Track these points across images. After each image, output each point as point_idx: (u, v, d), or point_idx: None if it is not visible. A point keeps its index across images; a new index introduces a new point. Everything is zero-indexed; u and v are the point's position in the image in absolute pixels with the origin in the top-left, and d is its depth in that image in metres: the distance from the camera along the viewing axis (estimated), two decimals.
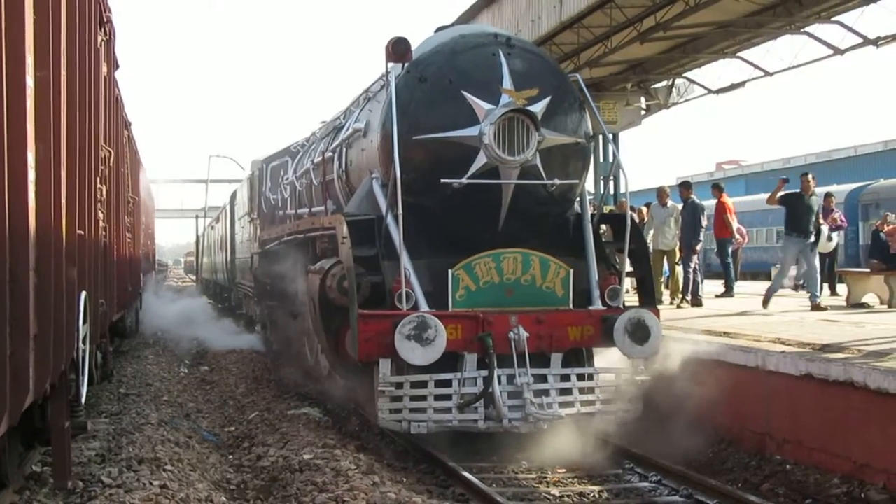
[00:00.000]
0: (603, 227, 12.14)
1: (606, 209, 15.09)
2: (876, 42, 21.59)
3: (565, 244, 10.96)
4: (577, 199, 11.26)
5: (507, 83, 10.35)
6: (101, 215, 9.26)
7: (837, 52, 22.62)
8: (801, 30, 23.09)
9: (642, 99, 29.26)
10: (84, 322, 7.39)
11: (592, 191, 22.06)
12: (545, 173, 10.45)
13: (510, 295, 10.32)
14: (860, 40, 22.00)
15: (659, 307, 11.03)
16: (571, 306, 10.40)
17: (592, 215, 11.36)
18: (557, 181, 10.55)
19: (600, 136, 28.46)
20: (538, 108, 10.33)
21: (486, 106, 10.22)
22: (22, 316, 4.82)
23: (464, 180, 10.23)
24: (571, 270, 10.48)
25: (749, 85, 26.36)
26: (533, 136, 10.26)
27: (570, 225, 11.25)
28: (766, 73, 25.30)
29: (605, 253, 11.38)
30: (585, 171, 11.26)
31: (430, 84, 10.49)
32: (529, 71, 10.57)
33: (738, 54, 25.26)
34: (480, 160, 10.22)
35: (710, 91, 27.78)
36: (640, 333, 10.11)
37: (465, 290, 10.24)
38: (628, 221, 10.89)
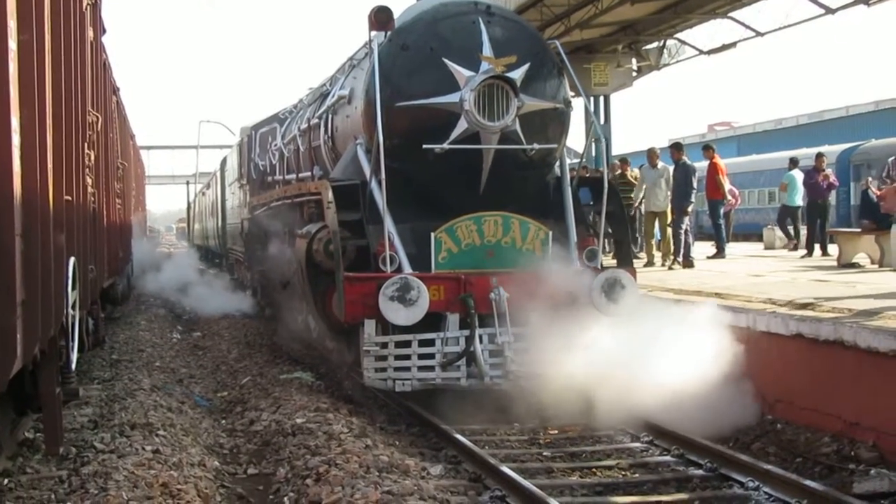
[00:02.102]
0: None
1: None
2: (867, 1, 21.49)
3: (545, 207, 11.23)
4: (557, 162, 11.57)
5: (487, 50, 10.61)
6: (89, 181, 9.22)
7: (829, 11, 22.49)
8: None
9: (633, 60, 29.14)
10: (73, 288, 7.37)
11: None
12: (525, 138, 10.76)
13: (491, 256, 10.65)
14: None
15: (651, 268, 11.18)
16: (551, 267, 10.56)
17: (571, 179, 11.63)
18: (537, 146, 10.86)
19: (591, 99, 28.66)
20: (517, 74, 10.63)
21: (467, 73, 10.50)
22: (8, 282, 4.80)
23: (445, 146, 10.53)
24: (550, 232, 10.81)
25: (740, 45, 26.22)
26: (512, 101, 10.55)
27: (550, 188, 11.56)
28: (758, 34, 25.16)
29: (584, 215, 11.68)
30: (564, 135, 11.58)
31: (411, 52, 10.80)
32: (509, 38, 10.86)
33: (730, 14, 25.11)
34: (461, 126, 10.52)
35: (701, 52, 27.66)
36: (615, 293, 10.38)
37: (448, 253, 10.60)
38: (605, 185, 11.20)
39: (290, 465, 8.15)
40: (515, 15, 12.73)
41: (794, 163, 23.35)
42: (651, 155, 19.25)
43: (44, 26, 5.92)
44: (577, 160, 13.28)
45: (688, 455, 8.62)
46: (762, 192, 39.38)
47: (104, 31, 11.84)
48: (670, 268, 17.66)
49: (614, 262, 12.20)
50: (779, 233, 24.03)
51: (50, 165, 6.07)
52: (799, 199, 22.53)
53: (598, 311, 10.38)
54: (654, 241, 19.64)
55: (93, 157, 9.48)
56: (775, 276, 14.76)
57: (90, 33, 9.60)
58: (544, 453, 9.08)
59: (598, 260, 11.04)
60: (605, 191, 11.17)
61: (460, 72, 10.52)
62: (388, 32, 10.98)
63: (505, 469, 7.84)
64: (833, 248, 18.55)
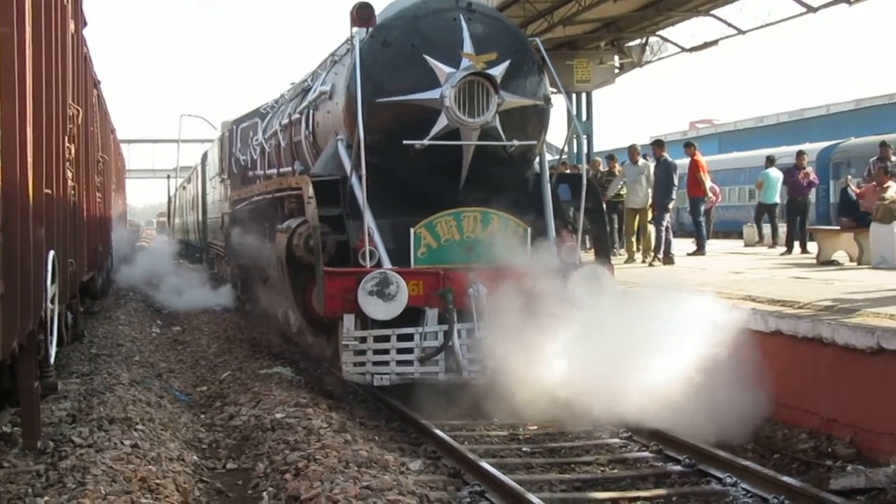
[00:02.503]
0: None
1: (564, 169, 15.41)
2: (849, 0, 21.59)
3: (524, 203, 11.32)
4: (536, 159, 11.67)
5: (468, 47, 10.71)
6: (69, 174, 9.19)
7: (810, 9, 22.60)
8: None
9: (616, 57, 29.21)
10: (52, 282, 7.34)
11: (566, 150, 22.06)
12: (504, 135, 10.87)
13: (470, 252, 10.69)
14: None
15: (631, 265, 11.24)
16: (529, 262, 10.62)
17: (551, 175, 11.72)
18: (516, 142, 10.97)
19: (574, 95, 28.69)
20: (497, 71, 10.73)
21: (447, 69, 10.59)
22: None
23: (425, 142, 10.64)
24: (529, 228, 10.91)
25: (722, 43, 26.35)
26: (492, 98, 10.65)
27: (530, 185, 11.67)
28: (740, 32, 25.26)
29: (563, 211, 11.76)
30: (544, 132, 11.68)
31: (393, 48, 10.87)
32: (489, 35, 10.94)
33: (712, 12, 25.19)
34: (442, 122, 10.62)
35: (683, 49, 27.75)
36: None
37: (427, 248, 10.68)
38: (584, 181, 11.36)
39: (269, 459, 8.14)
40: (496, 12, 12.82)
41: (770, 161, 23.53)
42: (632, 152, 19.30)
43: (24, 19, 5.90)
44: (556, 157, 13.39)
45: (666, 451, 8.65)
46: (743, 190, 39.50)
47: (85, 24, 11.80)
48: (650, 264, 17.72)
49: (593, 258, 12.23)
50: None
51: (30, 158, 6.04)
52: (775, 197, 22.71)
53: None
54: (633, 238, 19.69)
55: (73, 151, 9.46)
56: (754, 273, 14.83)
57: (71, 26, 9.57)
58: (523, 449, 9.10)
59: (576, 255, 11.13)
60: (584, 187, 11.29)
61: (441, 68, 10.61)
62: (370, 29, 11.06)
63: (484, 464, 7.86)
64: (812, 246, 18.64)
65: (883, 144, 17.72)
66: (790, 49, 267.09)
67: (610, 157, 22.75)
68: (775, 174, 22.82)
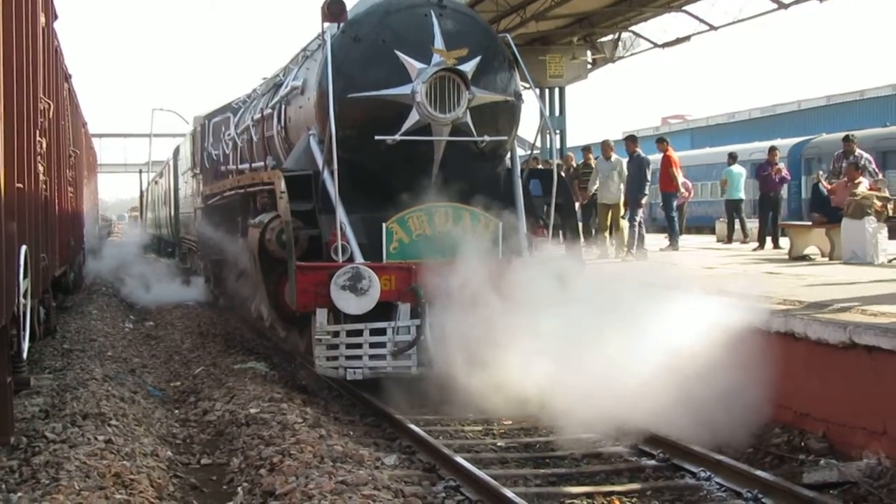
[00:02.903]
0: None
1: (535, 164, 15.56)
2: None
3: (496, 198, 11.34)
4: (508, 154, 11.77)
5: (439, 43, 10.78)
6: (41, 168, 9.12)
7: (782, 5, 22.75)
8: None
9: (588, 53, 29.31)
10: (24, 277, 7.29)
11: (539, 146, 22.12)
12: (475, 130, 10.96)
13: (442, 247, 10.72)
14: None
15: (604, 260, 11.29)
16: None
17: (522, 171, 11.88)
18: (487, 138, 11.05)
19: (546, 91, 28.75)
20: (468, 67, 10.81)
21: (418, 65, 10.67)
22: None
23: (397, 137, 10.72)
24: (500, 223, 10.97)
25: (694, 39, 26.49)
26: (463, 94, 10.75)
27: (501, 180, 11.75)
28: (712, 27, 25.41)
29: (534, 206, 11.86)
30: (515, 127, 11.76)
31: (364, 44, 10.94)
32: (460, 31, 11.02)
33: (684, 8, 25.31)
34: (413, 118, 10.69)
35: (655, 45, 27.87)
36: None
37: (399, 243, 10.74)
38: (555, 177, 11.50)
39: (243, 455, 8.13)
40: (467, 8, 12.90)
41: (732, 158, 23.80)
42: (605, 147, 19.30)
43: None
44: (529, 152, 13.44)
45: (640, 446, 8.68)
46: (715, 185, 39.56)
47: (56, 16, 11.71)
48: (624, 260, 17.76)
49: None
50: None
51: (0, 153, 5.99)
52: (740, 193, 22.95)
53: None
54: (606, 233, 19.71)
55: (44, 145, 9.38)
56: (727, 268, 14.90)
57: (42, 19, 9.49)
58: (498, 444, 9.12)
59: (546, 250, 11.21)
60: (555, 183, 11.43)
61: (412, 64, 10.68)
62: (341, 24, 11.11)
63: (459, 459, 7.87)
64: (785, 241, 18.74)
65: (846, 139, 17.85)
66: (762, 45, 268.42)
67: (586, 149, 22.76)
68: (738, 170, 23.26)
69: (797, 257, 16.40)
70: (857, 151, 17.15)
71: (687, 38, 26.62)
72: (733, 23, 24.63)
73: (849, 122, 41.25)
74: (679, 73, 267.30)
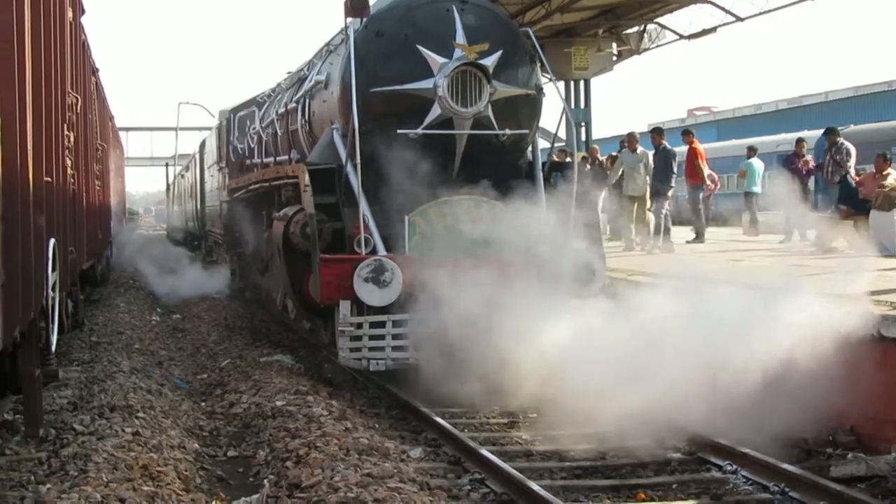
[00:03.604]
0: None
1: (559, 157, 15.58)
2: None
3: (517, 191, 11.28)
4: (529, 147, 11.86)
5: (460, 38, 10.90)
6: (69, 162, 9.19)
7: None
8: None
9: (614, 45, 29.13)
10: (53, 270, 7.35)
11: (564, 138, 22.01)
12: (497, 123, 11.06)
13: (464, 240, 10.82)
14: None
15: (630, 253, 11.26)
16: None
17: (543, 163, 11.93)
18: (508, 131, 11.16)
19: (571, 83, 28.66)
20: (490, 61, 10.91)
21: (440, 60, 10.78)
22: None
23: (419, 131, 10.83)
24: (521, 215, 10.88)
25: (720, 30, 26.30)
26: (485, 88, 10.85)
27: (522, 172, 11.79)
28: (738, 19, 25.21)
29: (555, 198, 11.72)
30: (536, 120, 11.83)
31: (386, 38, 11.03)
32: (482, 26, 11.12)
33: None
34: (435, 111, 10.81)
35: (681, 37, 27.68)
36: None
37: (421, 236, 10.83)
38: (575, 169, 11.63)
39: (269, 447, 8.16)
40: (489, 3, 12.94)
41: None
42: (631, 139, 19.25)
43: (24, 6, 5.88)
44: (548, 145, 13.47)
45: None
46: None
47: (83, 11, 11.78)
48: (650, 252, 17.70)
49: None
50: (761, 217, 24.10)
51: (30, 147, 6.04)
52: (756, 187, 22.84)
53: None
54: (632, 225, 19.64)
55: (72, 139, 9.45)
56: (753, 261, 14.82)
57: (69, 14, 9.56)
58: (523, 437, 9.11)
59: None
60: (575, 175, 11.51)
61: (434, 58, 10.78)
62: (364, 19, 11.20)
63: (484, 452, 7.87)
64: (811, 233, 18.61)
65: (830, 132, 17.86)
66: (789, 36, 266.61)
67: (630, 135, 22.07)
68: (758, 164, 23.29)
69: (824, 249, 16.27)
70: (839, 141, 17.27)
71: (713, 29, 26.42)
72: (760, 14, 24.46)
73: (877, 112, 40.92)
74: (705, 64, 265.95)
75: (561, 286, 10.43)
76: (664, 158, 18.30)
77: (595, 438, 8.74)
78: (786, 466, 7.40)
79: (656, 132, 19.19)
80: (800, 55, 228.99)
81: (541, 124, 12.43)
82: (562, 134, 16.88)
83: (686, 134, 20.28)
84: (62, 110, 8.45)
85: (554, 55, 28.32)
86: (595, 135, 31.25)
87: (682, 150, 20.68)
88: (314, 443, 7.77)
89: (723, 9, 25.35)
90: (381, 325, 10.40)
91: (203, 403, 10.69)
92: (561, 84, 29.62)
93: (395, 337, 10.42)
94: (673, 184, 18.55)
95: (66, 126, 8.76)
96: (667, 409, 8.36)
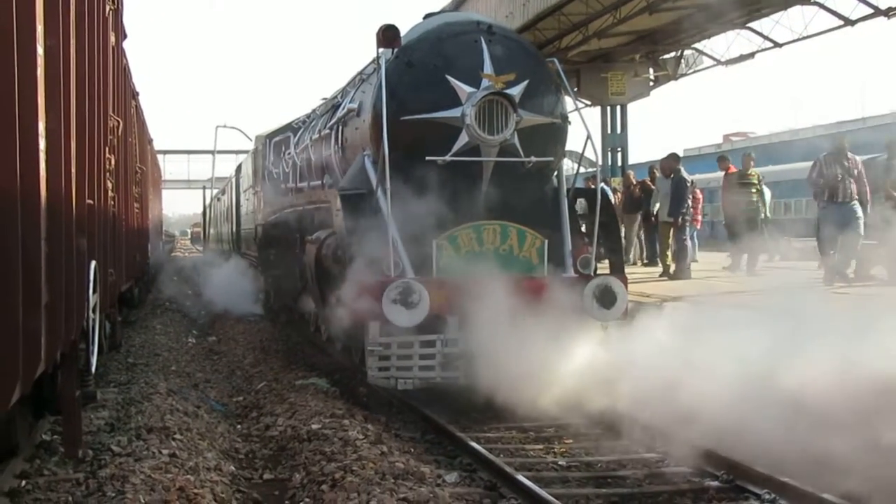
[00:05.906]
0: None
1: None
2: (887, 13, 21.47)
3: (542, 216, 11.62)
4: (554, 174, 12.03)
5: (488, 68, 11.11)
6: (109, 185, 9.27)
7: (848, 22, 22.49)
8: (812, 0, 22.95)
9: (650, 70, 29.19)
10: (94, 292, 7.40)
11: (601, 162, 22.01)
12: (523, 151, 11.26)
13: (490, 263, 10.90)
14: (871, 10, 21.87)
15: (666, 279, 11.28)
16: (546, 273, 11.10)
17: (568, 190, 12.09)
18: (534, 158, 11.34)
19: (608, 109, 28.65)
20: (516, 91, 11.12)
21: (468, 89, 11.01)
22: (34, 285, 4.82)
23: (447, 158, 11.04)
24: (546, 241, 11.24)
25: (758, 56, 26.24)
26: (511, 116, 11.09)
27: (548, 199, 11.95)
28: (776, 45, 25.17)
29: (579, 225, 12.15)
30: (561, 148, 12.08)
31: (416, 68, 11.30)
32: (509, 56, 11.36)
33: (748, 25, 25.12)
34: (463, 139, 11.04)
35: (718, 62, 27.68)
36: (607, 299, 10.93)
37: (448, 259, 10.98)
38: (598, 196, 11.66)
39: (305, 470, 8.17)
40: (515, 34, 13.45)
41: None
42: (663, 165, 19.22)
43: (69, 31, 5.96)
44: (587, 169, 13.52)
45: (703, 466, 8.57)
46: (778, 204, 39.16)
47: (125, 35, 11.91)
48: (671, 278, 17.60)
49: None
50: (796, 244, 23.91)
51: (73, 170, 6.11)
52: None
53: (590, 316, 10.90)
54: (669, 251, 19.57)
55: (113, 162, 9.53)
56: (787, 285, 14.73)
57: (112, 38, 9.66)
58: (560, 462, 9.06)
59: (591, 268, 11.40)
60: (598, 202, 11.58)
61: (462, 88, 11.01)
62: (395, 49, 11.45)
63: (521, 478, 7.82)
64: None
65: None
66: (827, 61, 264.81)
67: (722, 158, 21.61)
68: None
69: (863, 277, 16.11)
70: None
71: (751, 55, 26.41)
72: (798, 40, 24.40)
73: None
74: (742, 89, 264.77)
75: (584, 310, 10.81)
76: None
77: (632, 464, 8.70)
78: (827, 496, 7.28)
79: (672, 158, 19.13)
80: (839, 80, 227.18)
81: (573, 148, 12.70)
82: (598, 159, 16.95)
83: (722, 160, 20.22)
84: (104, 133, 8.53)
85: (591, 80, 28.42)
86: (631, 159, 31.22)
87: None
88: (350, 466, 7.77)
89: (761, 34, 25.34)
90: (409, 345, 10.59)
91: (239, 426, 10.73)
92: (595, 111, 29.79)
93: (422, 357, 10.61)
94: (684, 211, 18.46)
95: (107, 149, 8.84)
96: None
